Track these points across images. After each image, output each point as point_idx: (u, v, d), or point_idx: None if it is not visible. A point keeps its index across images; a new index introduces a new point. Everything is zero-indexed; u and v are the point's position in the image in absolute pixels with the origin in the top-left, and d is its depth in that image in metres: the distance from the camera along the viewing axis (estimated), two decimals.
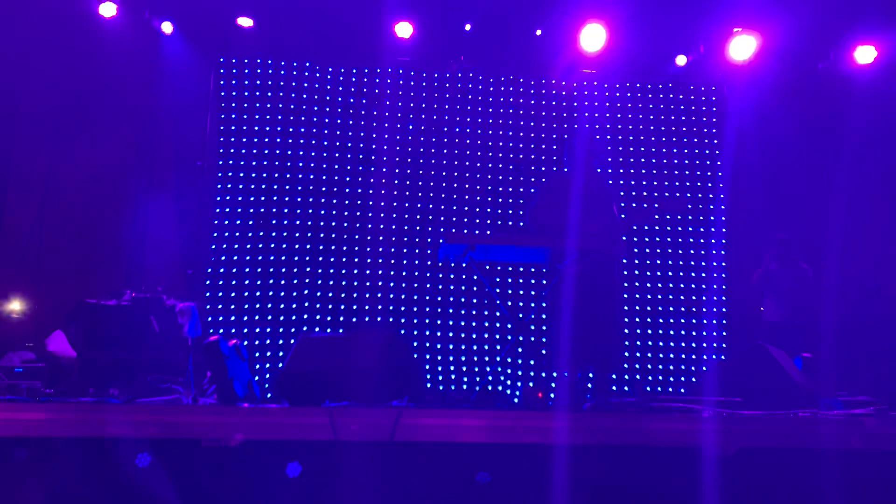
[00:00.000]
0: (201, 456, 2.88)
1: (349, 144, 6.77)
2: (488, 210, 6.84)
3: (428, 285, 6.57)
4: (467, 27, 6.71)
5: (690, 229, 7.02)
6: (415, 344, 6.40)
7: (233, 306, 6.31)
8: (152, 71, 6.69)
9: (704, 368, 6.56)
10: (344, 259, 6.54)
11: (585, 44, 6.76)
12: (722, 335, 6.83)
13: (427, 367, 6.38)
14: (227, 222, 6.49)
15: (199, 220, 6.54)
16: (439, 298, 6.56)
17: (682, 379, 6.72)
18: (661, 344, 6.77)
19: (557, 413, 3.38)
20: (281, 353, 6.24)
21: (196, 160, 6.63)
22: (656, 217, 6.84)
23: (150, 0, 6.38)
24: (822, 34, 6.84)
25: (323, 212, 6.61)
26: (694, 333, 6.81)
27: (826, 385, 6.45)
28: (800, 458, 3.02)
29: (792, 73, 7.05)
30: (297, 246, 6.52)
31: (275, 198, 6.57)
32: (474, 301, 6.58)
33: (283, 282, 6.40)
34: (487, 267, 6.58)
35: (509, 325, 6.37)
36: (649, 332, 6.78)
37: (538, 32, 6.77)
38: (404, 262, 6.60)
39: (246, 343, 5.66)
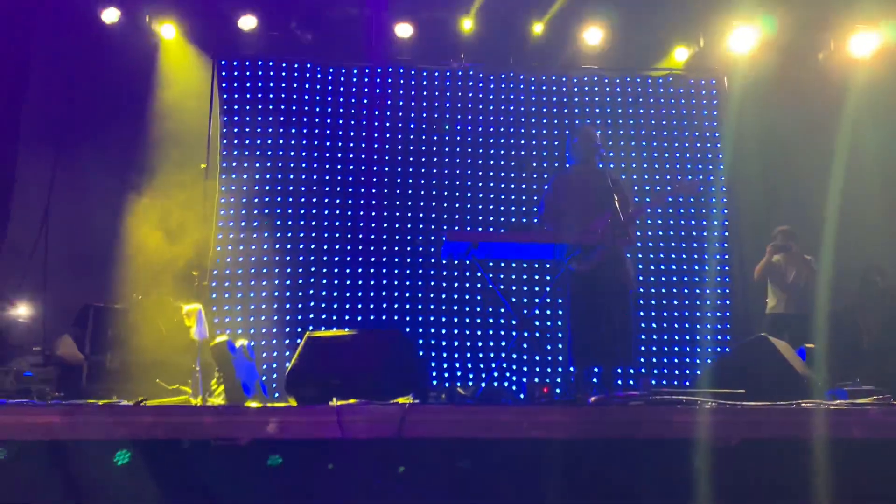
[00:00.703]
0: (210, 456, 2.90)
1: (351, 144, 6.80)
2: (491, 207, 6.86)
3: (432, 283, 6.60)
4: (467, 25, 6.73)
5: (693, 222, 7.03)
6: (420, 341, 6.43)
7: (239, 307, 6.35)
8: (154, 73, 6.72)
9: (708, 361, 6.58)
10: (348, 258, 6.57)
11: (586, 38, 6.80)
12: (725, 327, 6.84)
13: (432, 364, 6.41)
14: (231, 224, 6.53)
15: (203, 220, 6.57)
16: (444, 296, 6.59)
17: (687, 372, 6.74)
18: (665, 337, 6.79)
19: (563, 407, 3.40)
20: (288, 353, 6.28)
21: (199, 162, 6.66)
22: (659, 210, 6.89)
23: (151, 4, 6.41)
24: (823, 24, 6.85)
25: (326, 211, 6.64)
26: (697, 326, 6.83)
27: (830, 376, 6.47)
28: (803, 449, 3.03)
29: (792, 62, 7.05)
30: (301, 246, 6.55)
31: (278, 198, 6.61)
32: (478, 298, 6.60)
33: (288, 282, 6.44)
34: (491, 264, 6.60)
35: (513, 322, 6.40)
36: (653, 325, 6.80)
37: (538, 29, 6.79)
38: (408, 260, 6.63)
39: (253, 343, 5.69)
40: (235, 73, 6.79)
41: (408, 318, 6.51)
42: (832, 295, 7.04)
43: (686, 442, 3.04)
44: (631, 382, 6.53)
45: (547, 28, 6.82)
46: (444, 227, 6.62)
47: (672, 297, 6.88)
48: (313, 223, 6.60)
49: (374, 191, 6.73)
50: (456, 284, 6.63)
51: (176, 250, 6.45)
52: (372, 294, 6.52)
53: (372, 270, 6.57)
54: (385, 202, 6.71)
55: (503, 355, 6.43)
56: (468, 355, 6.51)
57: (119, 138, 6.77)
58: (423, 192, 6.79)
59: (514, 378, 6.47)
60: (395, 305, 6.53)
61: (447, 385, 6.28)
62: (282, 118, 6.73)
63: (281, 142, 6.70)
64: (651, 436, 3.05)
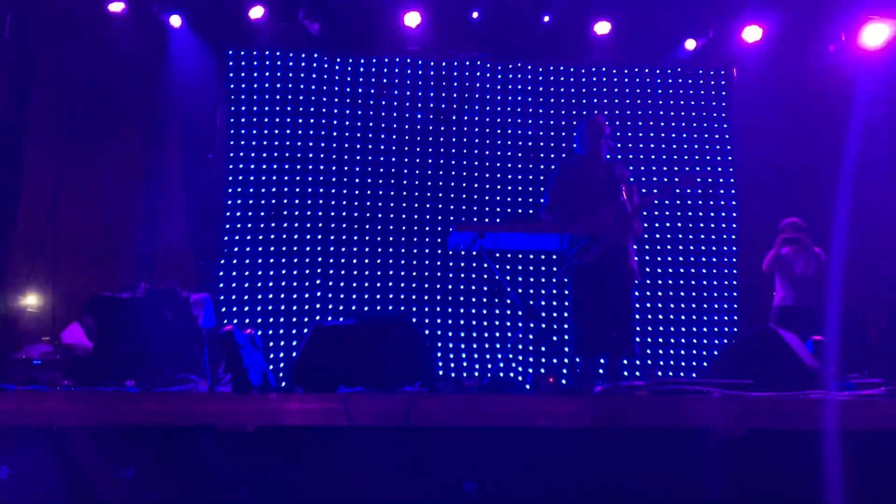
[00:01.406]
0: (217, 442, 2.92)
1: (359, 134, 6.79)
2: (498, 199, 6.85)
3: (438, 274, 6.60)
4: (475, 15, 6.70)
5: (701, 214, 7.00)
6: (426, 332, 6.44)
7: (246, 296, 6.38)
8: (161, 64, 6.72)
9: (715, 353, 6.56)
10: (355, 248, 6.58)
11: (594, 29, 6.77)
12: (733, 319, 6.82)
13: (439, 354, 6.42)
14: (238, 214, 6.54)
15: (211, 211, 6.59)
16: (450, 287, 6.59)
17: (693, 364, 6.72)
18: (671, 329, 6.78)
19: (569, 397, 3.41)
20: (294, 343, 6.30)
21: (206, 152, 6.67)
22: (667, 202, 6.86)
23: None
24: (833, 15, 6.79)
25: (333, 202, 6.65)
26: (705, 318, 6.81)
27: (838, 368, 6.45)
28: (810, 439, 3.03)
29: (802, 53, 7.00)
30: (308, 236, 6.56)
31: (285, 188, 6.61)
32: (485, 289, 6.61)
33: (295, 272, 6.45)
34: (497, 255, 6.60)
35: (520, 312, 6.40)
36: (660, 317, 6.79)
37: (547, 19, 6.76)
38: (415, 250, 6.63)
39: (260, 333, 5.71)
40: (243, 64, 6.79)
41: (414, 309, 6.52)
42: (840, 287, 7.02)
43: (692, 431, 3.04)
44: (637, 374, 6.53)
45: (555, 19, 6.78)
46: (451, 219, 6.61)
47: (679, 289, 6.86)
48: (320, 213, 6.60)
49: (381, 181, 6.73)
50: (462, 275, 6.63)
51: (183, 240, 6.48)
52: (379, 285, 6.53)
53: (379, 261, 6.57)
54: (392, 193, 6.71)
55: (509, 346, 6.43)
56: (474, 346, 6.51)
57: (126, 129, 6.79)
58: (429, 183, 6.78)
59: (521, 369, 6.48)
60: (402, 296, 6.54)
61: (453, 376, 6.30)
62: (289, 109, 6.72)
63: (288, 132, 6.69)
64: (657, 425, 3.06)
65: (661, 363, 6.71)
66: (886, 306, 6.75)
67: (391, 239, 6.62)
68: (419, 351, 3.86)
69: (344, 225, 6.61)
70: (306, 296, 6.43)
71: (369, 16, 6.70)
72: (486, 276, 6.59)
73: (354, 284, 6.51)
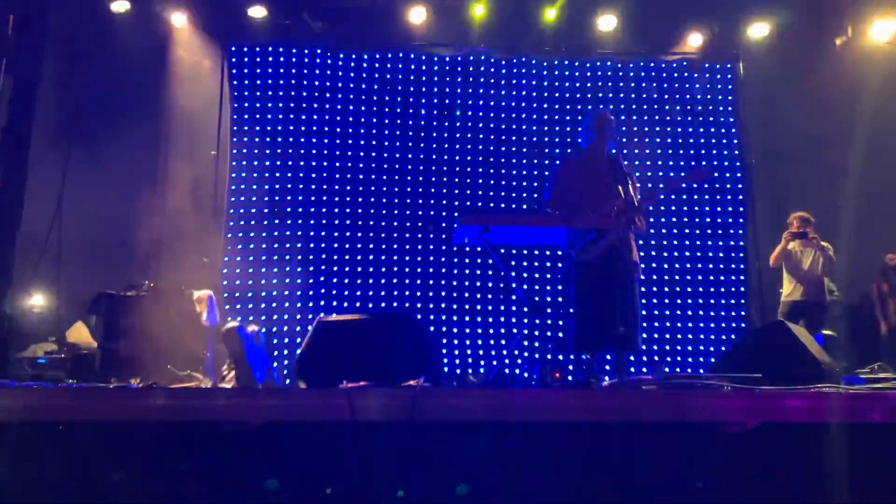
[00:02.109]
0: (221, 438, 2.89)
1: (362, 130, 6.77)
2: (503, 194, 6.82)
3: (443, 269, 6.58)
4: (479, 11, 6.66)
5: (707, 208, 6.95)
6: (432, 328, 6.41)
7: (250, 293, 6.35)
8: (165, 62, 6.72)
9: (724, 348, 6.52)
10: (359, 244, 6.56)
11: (599, 23, 6.73)
12: (741, 314, 6.77)
13: (444, 350, 6.40)
14: (241, 210, 6.53)
15: (214, 208, 6.58)
16: (455, 283, 6.57)
17: (701, 360, 6.68)
18: (679, 325, 6.73)
19: (575, 391, 3.37)
20: (299, 339, 6.28)
21: (210, 149, 6.65)
22: (673, 196, 6.81)
23: None
24: (840, 10, 6.74)
25: (337, 198, 6.63)
26: (713, 313, 6.77)
27: (847, 363, 6.40)
28: (821, 433, 2.99)
29: (808, 48, 6.95)
30: (312, 232, 6.54)
31: (289, 185, 6.60)
32: (490, 284, 6.58)
33: (299, 268, 6.43)
34: (503, 250, 6.56)
35: (525, 308, 6.36)
36: (667, 312, 6.74)
37: (551, 14, 6.72)
38: (419, 246, 6.61)
39: (264, 330, 5.69)
40: (245, 60, 6.78)
41: (419, 305, 6.50)
42: (849, 283, 6.97)
43: (702, 426, 3.00)
44: (644, 370, 6.49)
45: (560, 13, 6.74)
46: (457, 214, 6.59)
47: (687, 285, 6.82)
48: (324, 210, 6.59)
49: (385, 176, 6.70)
50: (468, 271, 6.61)
51: (187, 237, 6.46)
52: (383, 281, 6.51)
53: (384, 257, 6.55)
54: (396, 188, 6.69)
55: (515, 342, 6.40)
56: (480, 342, 6.48)
57: (130, 127, 6.78)
58: (434, 178, 6.76)
59: (526, 365, 6.44)
60: (407, 292, 6.51)
61: (458, 372, 6.27)
62: (292, 104, 6.71)
63: (291, 128, 6.68)
64: (664, 420, 3.01)
65: (669, 359, 6.67)
66: None
67: (395, 234, 6.60)
68: (424, 345, 3.82)
69: (348, 220, 6.59)
70: (310, 292, 6.41)
71: (373, 11, 6.68)
72: (491, 273, 6.56)
73: (359, 280, 6.49)
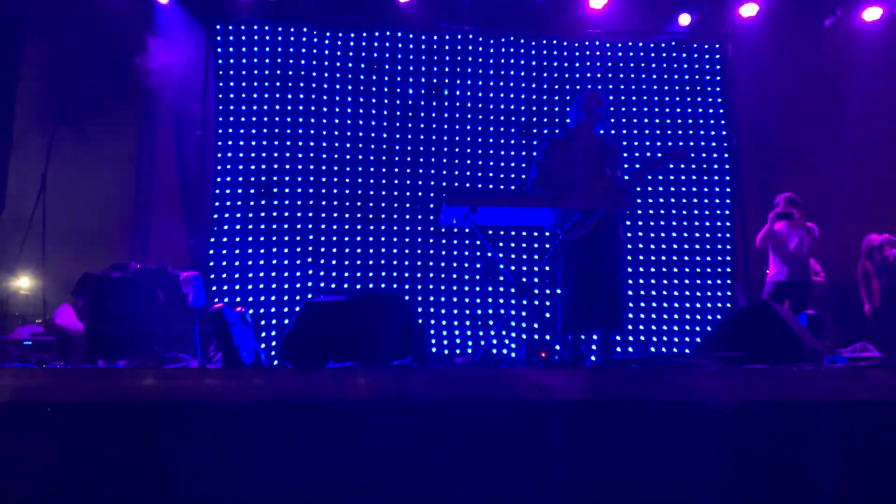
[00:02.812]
0: (207, 419, 2.89)
1: (349, 110, 6.71)
2: (490, 174, 6.81)
3: (431, 250, 6.57)
4: None
5: (695, 189, 6.97)
6: (419, 309, 6.42)
7: (236, 274, 6.33)
8: (150, 41, 6.63)
9: (709, 328, 6.57)
10: (346, 225, 6.53)
11: (588, 2, 6.70)
12: (727, 294, 6.82)
13: (431, 331, 6.41)
14: (228, 191, 6.47)
15: (200, 188, 6.53)
16: (442, 263, 6.57)
17: (687, 339, 6.73)
18: (665, 305, 6.77)
19: (561, 370, 3.39)
20: (286, 321, 6.28)
21: (196, 129, 6.59)
22: (661, 177, 6.82)
23: None
24: None
25: (324, 178, 6.59)
26: (699, 293, 6.81)
27: (830, 341, 6.47)
28: (804, 411, 3.03)
29: (798, 29, 6.95)
30: (298, 213, 6.50)
31: (275, 165, 6.54)
32: (477, 265, 6.58)
33: (286, 249, 6.40)
34: (490, 231, 6.57)
35: (512, 289, 6.38)
36: (653, 292, 6.78)
37: None
38: (407, 228, 6.59)
39: (251, 311, 5.68)
40: (231, 39, 6.68)
41: (407, 286, 6.50)
42: (834, 263, 7.04)
43: (686, 404, 3.03)
44: (630, 349, 6.53)
45: None
46: (444, 195, 6.55)
47: (673, 265, 6.84)
48: (311, 190, 6.55)
49: (372, 157, 6.67)
50: (455, 252, 6.61)
51: (173, 218, 6.43)
52: (371, 261, 6.50)
53: (371, 237, 6.54)
54: (384, 168, 6.66)
55: (502, 322, 6.42)
56: (467, 322, 6.50)
57: (115, 106, 6.72)
58: (422, 159, 6.73)
59: (513, 345, 6.47)
60: (394, 273, 6.51)
61: (446, 353, 6.29)
62: (278, 84, 6.64)
63: (278, 108, 6.61)
64: (648, 398, 3.04)
65: (655, 339, 6.71)
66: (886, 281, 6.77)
67: (383, 215, 6.57)
68: (410, 325, 3.83)
69: (335, 201, 6.56)
70: (297, 273, 6.38)
71: None
72: (479, 252, 6.56)
73: (346, 261, 6.47)
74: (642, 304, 6.73)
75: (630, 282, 6.67)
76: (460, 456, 2.91)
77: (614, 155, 4.78)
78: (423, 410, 2.94)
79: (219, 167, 6.49)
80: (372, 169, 6.63)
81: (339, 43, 6.80)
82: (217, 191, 6.46)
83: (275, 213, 6.47)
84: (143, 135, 6.88)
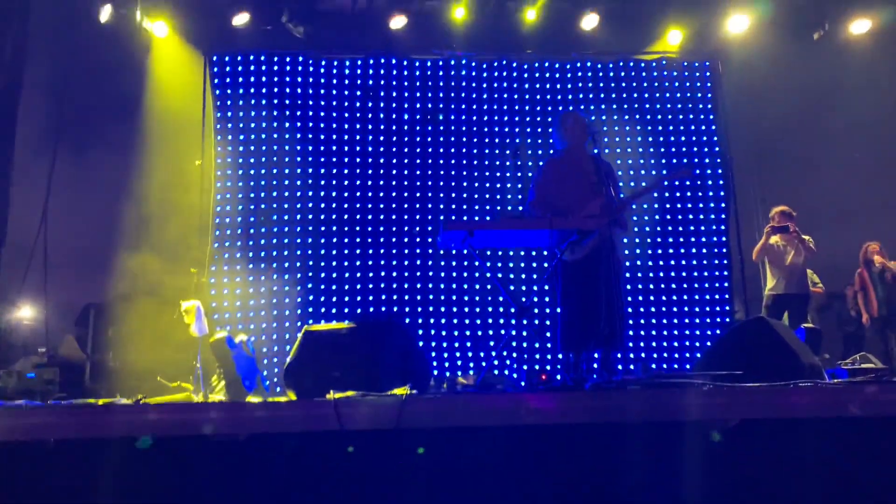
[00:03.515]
0: (211, 450, 2.92)
1: (346, 136, 6.78)
2: (487, 196, 6.85)
3: (430, 274, 6.60)
4: (460, 13, 6.69)
5: (690, 205, 7.01)
6: (420, 332, 6.44)
7: (238, 302, 6.36)
8: (148, 70, 6.71)
9: (707, 344, 6.59)
10: (346, 251, 6.57)
11: (580, 23, 6.78)
12: (725, 309, 6.84)
13: (433, 354, 6.43)
14: (228, 219, 6.52)
15: (200, 217, 6.57)
16: (442, 286, 6.59)
17: (687, 356, 6.74)
18: (664, 321, 6.79)
19: (560, 393, 3.41)
20: (287, 347, 6.30)
21: (194, 158, 6.65)
22: (656, 194, 6.87)
23: (144, 1, 6.38)
24: (816, 7, 6.82)
25: (323, 204, 6.64)
26: (697, 309, 6.83)
27: (830, 354, 6.49)
28: (802, 428, 3.05)
29: (787, 43, 7.02)
30: (298, 239, 6.55)
31: (274, 192, 6.60)
32: (477, 287, 6.61)
33: (286, 276, 6.44)
34: (489, 253, 6.61)
35: (512, 310, 6.40)
36: (652, 309, 6.80)
37: (531, 15, 6.75)
38: (405, 251, 6.63)
39: (253, 339, 5.71)
40: (228, 69, 6.77)
41: (407, 309, 6.52)
42: (832, 273, 7.07)
43: (685, 424, 3.05)
44: (631, 367, 6.54)
45: (540, 14, 6.78)
46: (441, 218, 6.61)
47: (671, 281, 6.87)
48: (310, 216, 6.60)
49: (369, 182, 6.72)
50: (454, 274, 6.64)
51: (173, 247, 6.46)
52: (371, 286, 6.53)
53: (370, 262, 6.57)
54: (381, 193, 6.71)
55: (502, 344, 6.44)
56: (468, 345, 6.52)
57: (115, 136, 6.78)
58: (418, 183, 6.78)
59: (515, 366, 6.49)
60: (394, 297, 6.54)
61: (447, 375, 6.30)
62: (275, 112, 6.71)
63: (275, 136, 6.68)
64: (649, 419, 3.06)
65: (654, 356, 6.73)
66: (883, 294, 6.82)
67: (382, 240, 6.62)
68: (410, 350, 3.86)
69: (333, 227, 6.61)
70: (298, 299, 6.41)
71: (354, 17, 6.70)
72: (477, 276, 6.59)
73: (346, 286, 6.51)
74: (642, 321, 6.76)
75: (629, 299, 6.69)
76: (462, 484, 2.93)
77: (609, 175, 4.83)
78: (425, 438, 2.97)
79: (217, 196, 6.55)
80: (370, 194, 6.69)
81: (335, 71, 6.88)
82: (217, 219, 6.51)
83: (274, 241, 6.51)
84: (142, 163, 6.94)
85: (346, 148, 6.76)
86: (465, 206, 6.78)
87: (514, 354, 6.49)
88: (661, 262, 6.90)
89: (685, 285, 6.86)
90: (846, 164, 6.82)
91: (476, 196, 6.82)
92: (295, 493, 2.90)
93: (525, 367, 6.06)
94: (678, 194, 7.00)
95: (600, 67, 7.19)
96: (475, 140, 6.92)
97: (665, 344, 6.77)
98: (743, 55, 7.04)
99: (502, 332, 6.53)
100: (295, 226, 6.57)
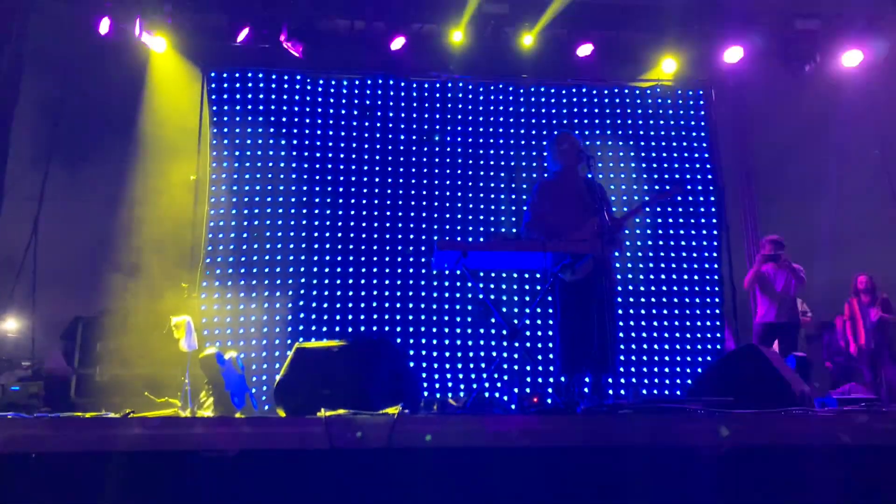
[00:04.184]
0: (199, 467, 2.88)
1: (342, 155, 6.80)
2: (481, 218, 6.87)
3: (423, 293, 6.59)
4: (457, 37, 6.76)
5: (682, 231, 7.05)
6: (411, 352, 6.42)
7: (228, 318, 6.32)
8: (145, 86, 6.73)
9: (699, 370, 6.59)
10: (338, 269, 6.56)
11: (575, 50, 6.87)
12: (716, 336, 6.85)
13: (424, 374, 6.40)
14: (221, 235, 6.51)
15: (193, 232, 6.55)
16: (434, 307, 6.58)
17: (678, 381, 6.74)
18: (655, 347, 6.80)
19: (552, 416, 3.40)
20: (277, 365, 6.25)
21: (189, 174, 6.64)
22: (648, 220, 6.91)
23: (143, 17, 6.41)
24: (808, 39, 6.93)
25: (316, 222, 6.63)
26: (689, 335, 6.84)
27: (820, 382, 6.50)
28: (792, 456, 3.04)
29: (780, 73, 7.13)
30: (291, 257, 6.53)
31: (269, 210, 6.59)
32: (469, 308, 6.60)
33: (278, 293, 6.41)
34: (482, 274, 6.61)
35: (504, 332, 6.39)
36: (643, 335, 6.80)
37: (528, 41, 6.83)
38: (399, 270, 6.62)
39: (242, 355, 5.66)
40: (225, 86, 6.79)
41: (399, 329, 6.50)
42: (822, 303, 7.11)
43: (676, 449, 3.04)
44: (622, 392, 6.53)
45: (536, 40, 6.87)
46: (435, 238, 6.61)
47: (662, 307, 6.88)
48: (304, 234, 6.59)
49: (364, 201, 6.73)
50: (447, 295, 6.63)
51: (165, 262, 6.43)
52: (363, 305, 6.51)
53: (363, 281, 6.56)
54: (376, 213, 6.71)
55: (494, 366, 6.42)
56: (459, 366, 6.50)
57: (109, 151, 6.77)
58: (413, 203, 6.79)
59: (505, 388, 6.46)
60: (386, 316, 6.51)
61: (438, 396, 6.27)
62: (272, 130, 6.73)
63: (271, 153, 6.69)
64: (640, 444, 3.06)
65: (646, 381, 6.72)
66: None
67: (375, 259, 6.61)
68: (401, 370, 3.85)
69: (327, 245, 6.60)
70: (289, 317, 6.38)
71: (352, 38, 6.76)
72: (470, 295, 6.59)
73: (338, 305, 6.48)
74: (633, 347, 6.76)
75: (621, 324, 6.69)
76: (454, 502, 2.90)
77: (603, 198, 4.86)
78: (416, 458, 2.95)
79: (212, 211, 6.53)
80: (364, 213, 6.69)
81: (332, 90, 6.92)
82: (210, 235, 6.49)
83: (267, 257, 6.49)
84: (137, 178, 6.92)
85: (342, 167, 6.78)
86: (459, 227, 6.79)
87: (506, 377, 6.47)
88: (652, 288, 6.92)
89: (676, 311, 6.87)
90: (840, 194, 6.89)
91: (470, 217, 6.84)
92: None
93: (516, 390, 6.02)
94: (671, 220, 7.05)
95: (595, 93, 7.27)
96: (470, 162, 6.96)
97: (656, 370, 6.76)
98: (737, 84, 7.15)
99: (493, 353, 6.52)
100: (288, 243, 6.56)
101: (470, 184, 6.91)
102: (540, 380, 6.54)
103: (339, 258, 6.57)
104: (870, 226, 6.98)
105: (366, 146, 6.83)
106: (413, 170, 6.86)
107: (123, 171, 6.73)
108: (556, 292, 4.74)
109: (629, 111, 7.26)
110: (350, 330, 6.42)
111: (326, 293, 6.49)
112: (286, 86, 6.85)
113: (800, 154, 7.11)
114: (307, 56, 6.75)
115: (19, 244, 6.27)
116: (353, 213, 6.68)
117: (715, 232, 7.06)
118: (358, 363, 3.73)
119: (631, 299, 6.84)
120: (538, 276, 6.63)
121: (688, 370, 6.75)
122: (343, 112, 6.88)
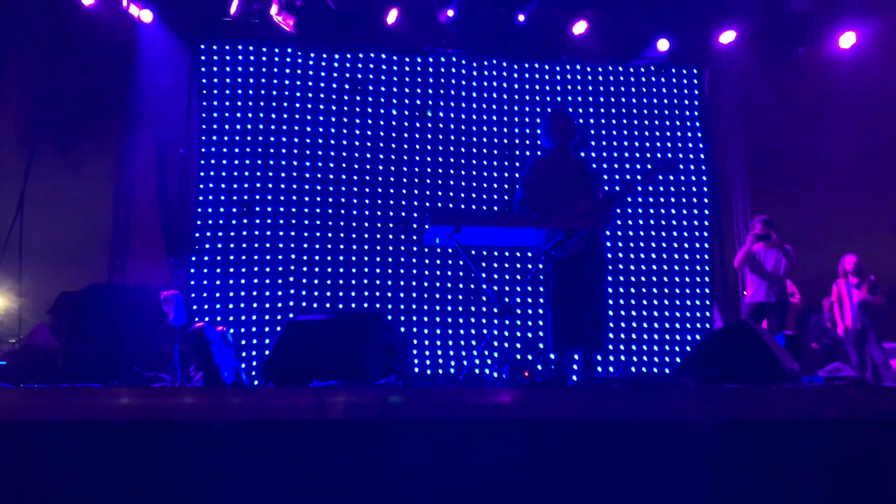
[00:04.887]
0: (188, 438, 2.87)
1: (332, 130, 6.74)
2: (473, 195, 6.85)
3: (414, 270, 6.57)
4: (450, 13, 6.69)
5: (673, 210, 7.06)
6: (402, 329, 6.41)
7: (218, 293, 6.28)
8: (133, 59, 6.63)
9: (688, 348, 6.63)
10: (329, 244, 6.53)
11: (569, 27, 6.82)
12: (706, 315, 6.89)
13: (415, 350, 6.40)
14: (210, 210, 6.45)
15: (182, 207, 6.49)
16: (426, 283, 6.57)
17: (667, 359, 6.78)
18: (644, 325, 6.82)
19: (543, 389, 3.40)
20: (267, 340, 6.23)
21: (178, 148, 6.57)
22: (640, 199, 6.91)
23: None
24: (803, 20, 6.91)
25: (307, 197, 6.59)
26: (678, 314, 6.87)
27: (808, 362, 6.56)
28: (782, 429, 3.07)
29: (775, 54, 7.11)
30: (281, 232, 6.49)
31: (258, 184, 6.54)
32: (461, 285, 6.60)
33: (268, 268, 6.38)
34: (474, 251, 6.59)
35: (495, 309, 6.40)
36: (633, 312, 6.83)
37: (522, 17, 6.77)
38: (390, 247, 6.59)
39: (232, 330, 5.63)
40: (215, 59, 6.70)
41: (390, 305, 6.48)
42: (811, 283, 7.15)
43: (667, 423, 3.05)
44: (611, 370, 6.56)
45: (530, 17, 6.81)
46: (428, 215, 6.57)
47: (653, 285, 6.91)
48: (294, 209, 6.54)
49: (355, 177, 6.69)
50: (438, 272, 6.62)
51: (154, 236, 6.38)
52: (354, 281, 6.49)
53: (354, 257, 6.53)
54: (367, 188, 6.67)
55: (485, 342, 6.43)
56: (450, 342, 6.50)
57: (96, 125, 6.68)
58: (405, 180, 6.76)
59: (496, 364, 6.47)
60: (378, 293, 6.50)
61: (429, 372, 6.27)
62: (262, 103, 6.65)
63: (261, 127, 6.62)
64: (633, 416, 3.06)
65: (635, 359, 6.75)
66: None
67: (366, 235, 6.58)
68: (394, 344, 3.83)
69: (318, 221, 6.55)
70: (279, 292, 6.35)
71: (345, 11, 6.67)
72: (462, 273, 6.58)
73: (329, 281, 6.46)
74: (622, 325, 6.78)
75: (610, 301, 6.71)
76: (444, 477, 2.90)
77: (595, 175, 4.85)
78: (407, 430, 2.94)
79: (201, 185, 6.47)
80: (355, 189, 6.65)
81: (324, 63, 6.84)
82: (199, 209, 6.43)
83: (257, 232, 6.45)
84: (124, 153, 6.84)
85: (333, 142, 6.72)
86: (450, 204, 6.77)
87: (496, 353, 6.48)
88: (643, 267, 6.94)
89: (666, 290, 6.90)
90: (834, 176, 6.91)
91: (463, 195, 6.81)
92: (272, 482, 2.85)
93: (508, 366, 6.04)
94: (662, 199, 7.05)
95: (589, 71, 7.23)
96: (463, 138, 6.91)
97: (645, 348, 6.80)
98: (731, 64, 7.13)
99: (485, 330, 6.52)
100: (278, 218, 6.51)
101: (462, 160, 6.87)
102: (530, 356, 6.55)
103: (330, 234, 6.54)
104: (865, 209, 7.01)
105: (357, 121, 6.77)
106: (405, 145, 6.81)
107: (111, 146, 6.65)
108: (550, 269, 4.73)
109: (623, 90, 7.23)
110: (341, 305, 6.40)
111: (317, 269, 6.46)
112: (277, 59, 6.77)
113: (793, 135, 7.10)
114: (298, 30, 6.66)
115: (5, 221, 6.19)
116: (344, 188, 6.64)
117: (706, 212, 7.08)
118: (350, 336, 3.71)
119: (621, 278, 6.86)
120: (529, 254, 6.63)
121: (676, 349, 6.79)
122: (334, 86, 6.81)
